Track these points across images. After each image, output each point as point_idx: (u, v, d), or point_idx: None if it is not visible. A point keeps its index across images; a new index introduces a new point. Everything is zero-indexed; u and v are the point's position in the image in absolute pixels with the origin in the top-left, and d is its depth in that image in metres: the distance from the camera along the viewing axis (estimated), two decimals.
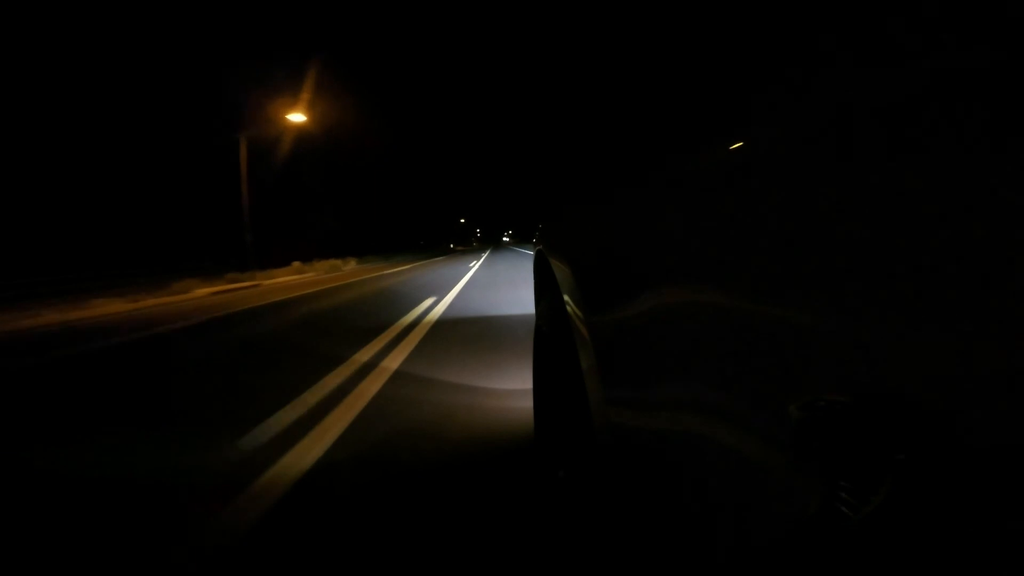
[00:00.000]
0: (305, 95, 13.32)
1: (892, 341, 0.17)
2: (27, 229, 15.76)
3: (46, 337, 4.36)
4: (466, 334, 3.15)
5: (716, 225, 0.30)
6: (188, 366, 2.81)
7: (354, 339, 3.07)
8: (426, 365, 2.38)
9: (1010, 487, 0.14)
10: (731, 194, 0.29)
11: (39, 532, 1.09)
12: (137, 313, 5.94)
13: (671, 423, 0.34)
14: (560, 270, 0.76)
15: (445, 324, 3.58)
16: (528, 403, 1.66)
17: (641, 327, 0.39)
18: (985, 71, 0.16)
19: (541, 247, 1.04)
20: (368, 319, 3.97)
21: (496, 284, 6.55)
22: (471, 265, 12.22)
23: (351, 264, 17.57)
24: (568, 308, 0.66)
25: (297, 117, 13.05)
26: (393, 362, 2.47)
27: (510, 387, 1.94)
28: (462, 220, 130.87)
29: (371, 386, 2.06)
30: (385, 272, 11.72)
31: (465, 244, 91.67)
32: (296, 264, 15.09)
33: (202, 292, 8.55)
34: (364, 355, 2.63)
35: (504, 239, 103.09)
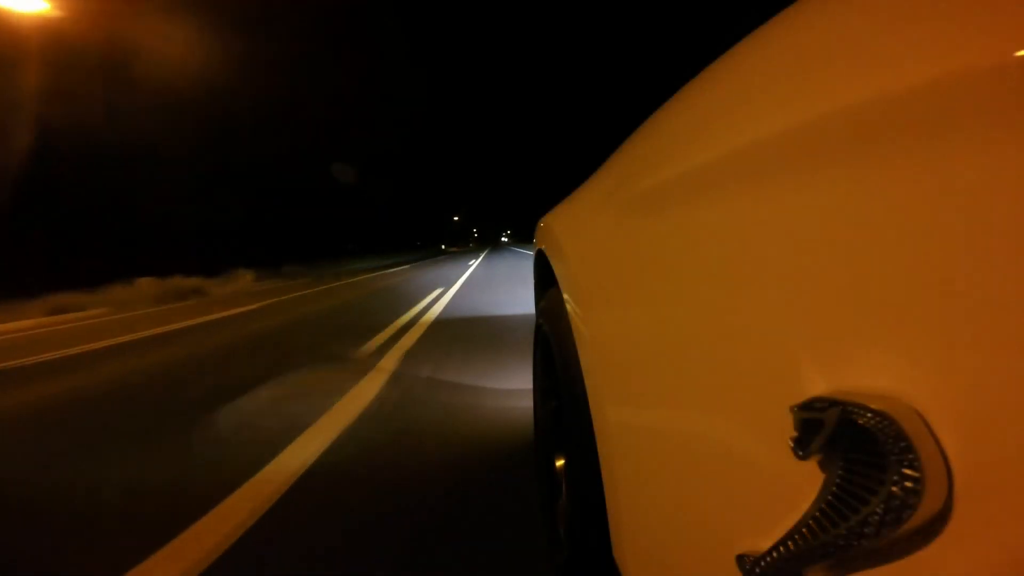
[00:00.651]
0: None
1: (892, 341, 0.17)
2: None
3: None
4: None
5: (716, 225, 0.30)
6: None
7: None
8: None
9: (1006, 487, 0.14)
10: (731, 193, 0.29)
11: None
12: None
13: (671, 422, 0.34)
14: (560, 268, 0.76)
15: None
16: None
17: (641, 326, 0.40)
18: (984, 71, 0.16)
19: (542, 247, 1.04)
20: None
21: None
22: (470, 262, 9.52)
23: (224, 289, 9.65)
24: (568, 306, 0.66)
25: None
26: None
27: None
28: (456, 218, 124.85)
29: None
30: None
31: (460, 245, 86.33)
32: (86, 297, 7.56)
33: None
34: None
35: (503, 239, 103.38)
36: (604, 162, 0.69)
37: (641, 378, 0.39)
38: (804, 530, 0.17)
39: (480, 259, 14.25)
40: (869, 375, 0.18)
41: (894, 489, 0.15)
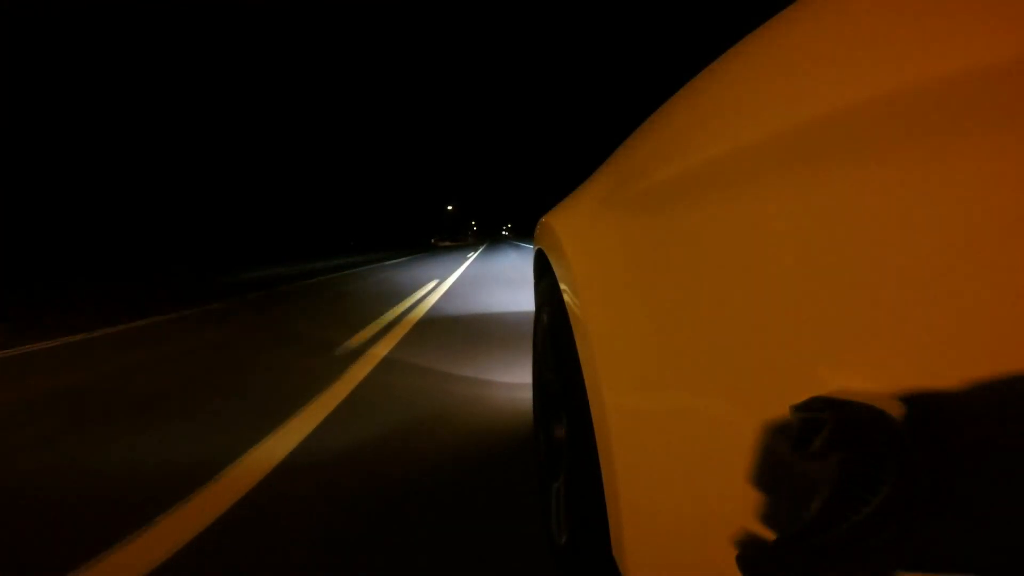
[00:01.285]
0: None
1: (891, 341, 0.17)
2: None
3: None
4: None
5: (716, 225, 0.30)
6: None
7: None
8: None
9: (1008, 486, 0.14)
10: (731, 193, 0.29)
11: None
12: None
13: (671, 419, 0.34)
14: (559, 262, 0.76)
15: None
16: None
17: (641, 326, 0.40)
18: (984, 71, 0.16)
19: (542, 245, 1.04)
20: None
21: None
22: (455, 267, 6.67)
23: None
24: (567, 299, 0.66)
25: None
26: None
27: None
28: (449, 207, 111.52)
29: None
30: None
31: (457, 239, 63.54)
32: None
33: None
34: None
35: (503, 232, 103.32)
36: (604, 161, 0.69)
37: (642, 380, 0.39)
38: (803, 530, 0.17)
39: (471, 259, 11.35)
40: (868, 375, 0.18)
41: (894, 489, 0.15)
